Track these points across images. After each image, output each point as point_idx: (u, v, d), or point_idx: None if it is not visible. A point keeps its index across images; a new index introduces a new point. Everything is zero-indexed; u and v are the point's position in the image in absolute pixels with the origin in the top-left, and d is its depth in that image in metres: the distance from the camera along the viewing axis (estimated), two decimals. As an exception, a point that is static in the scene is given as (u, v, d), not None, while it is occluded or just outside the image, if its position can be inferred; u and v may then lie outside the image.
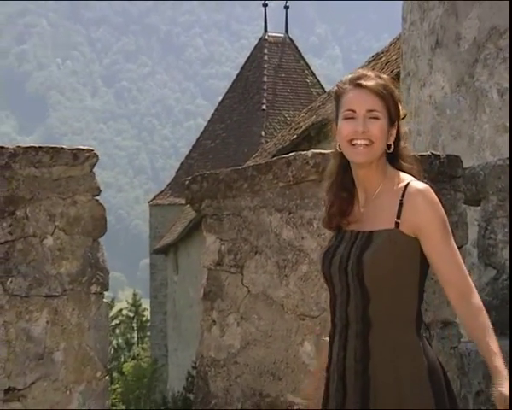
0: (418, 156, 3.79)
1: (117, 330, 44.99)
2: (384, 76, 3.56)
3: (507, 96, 8.64)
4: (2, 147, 4.02)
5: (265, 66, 36.19)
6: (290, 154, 5.18)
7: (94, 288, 4.14)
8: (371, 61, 18.36)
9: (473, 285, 3.41)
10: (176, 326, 34.24)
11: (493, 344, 3.32)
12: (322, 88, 33.83)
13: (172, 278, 35.35)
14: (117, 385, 29.52)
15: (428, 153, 5.46)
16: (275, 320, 5.04)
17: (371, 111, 3.43)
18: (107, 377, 4.18)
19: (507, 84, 8.67)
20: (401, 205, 3.39)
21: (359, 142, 3.42)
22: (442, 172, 5.32)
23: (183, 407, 26.60)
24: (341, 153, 3.52)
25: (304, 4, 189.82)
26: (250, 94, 36.01)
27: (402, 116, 3.54)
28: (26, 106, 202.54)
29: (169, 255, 36.01)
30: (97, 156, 4.28)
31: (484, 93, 8.94)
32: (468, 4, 9.25)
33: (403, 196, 3.40)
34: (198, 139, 38.15)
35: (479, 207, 6.26)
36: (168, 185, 39.00)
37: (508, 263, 6.06)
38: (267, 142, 29.52)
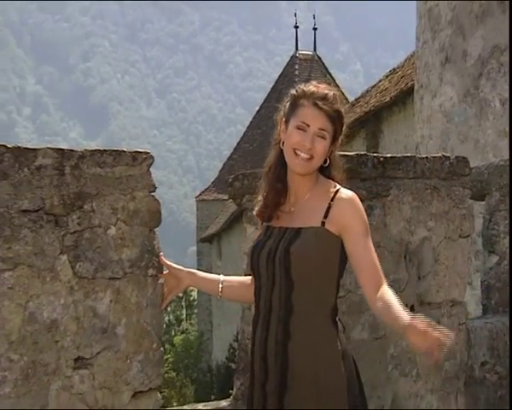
0: (344, 165, 3.70)
1: (168, 308, 45.07)
2: (338, 97, 3.50)
3: (507, 105, 8.61)
4: (71, 150, 4.03)
5: (296, 79, 36.06)
6: (320, 156, 5.15)
7: (150, 271, 4.14)
8: (388, 75, 18.25)
9: (385, 281, 3.39)
10: (219, 305, 34.28)
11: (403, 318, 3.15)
12: (346, 98, 33.61)
13: (216, 263, 35.41)
14: (169, 355, 29.56)
15: (440, 155, 5.44)
16: (306, 300, 5.01)
17: (322, 130, 3.40)
18: (161, 349, 4.18)
19: (507, 95, 8.63)
20: (329, 207, 3.38)
21: (302, 155, 3.39)
22: (452, 171, 5.29)
23: (225, 375, 26.65)
24: (281, 149, 3.51)
25: (330, 26, 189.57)
26: (283, 104, 35.95)
27: (341, 134, 3.54)
28: (90, 115, 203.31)
29: (213, 244, 36.08)
30: (153, 158, 4.27)
31: (487, 103, 8.91)
32: (473, 26, 9.22)
33: (332, 199, 3.40)
34: (238, 143, 38.19)
35: (483, 202, 6.21)
36: (212, 183, 39.05)
37: (508, 251, 6.02)
38: (298, 146, 29.43)
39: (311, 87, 3.49)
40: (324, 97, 3.42)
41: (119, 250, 4.07)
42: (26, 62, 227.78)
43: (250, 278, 3.71)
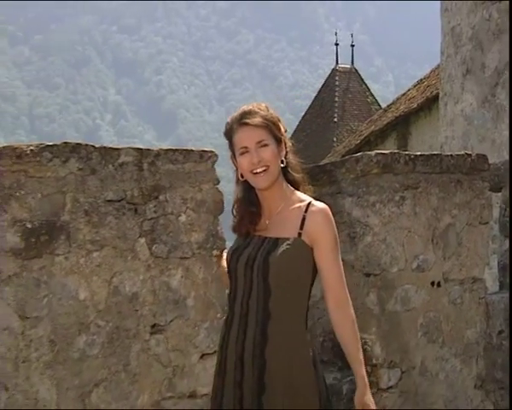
0: (304, 166, 3.48)
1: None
2: (262, 106, 3.28)
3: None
4: (148, 149, 4.07)
5: (336, 89, 35.95)
6: (358, 154, 5.13)
7: (215, 252, 4.16)
8: (416, 85, 18.10)
9: (349, 297, 3.27)
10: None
11: (360, 354, 3.19)
12: (379, 105, 33.42)
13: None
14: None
15: (463, 152, 5.40)
16: (346, 277, 4.99)
17: (260, 142, 3.19)
18: (224, 318, 4.20)
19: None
20: (304, 219, 3.18)
21: (258, 170, 3.19)
22: (473, 166, 5.24)
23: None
24: (244, 180, 3.29)
25: (365, 43, 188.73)
26: (325, 110, 35.79)
27: (284, 130, 3.33)
28: (161, 120, 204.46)
29: (266, 229, 36.04)
30: (217, 156, 4.29)
31: (503, 108, 8.82)
32: (490, 41, 9.14)
33: (306, 211, 3.20)
34: (287, 144, 38.13)
35: (500, 193, 6.14)
36: (265, 178, 39.06)
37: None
38: (338, 145, 29.35)
39: (234, 113, 3.31)
40: (247, 113, 3.22)
41: (188, 234, 4.09)
42: (107, 76, 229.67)
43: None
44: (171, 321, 4.00)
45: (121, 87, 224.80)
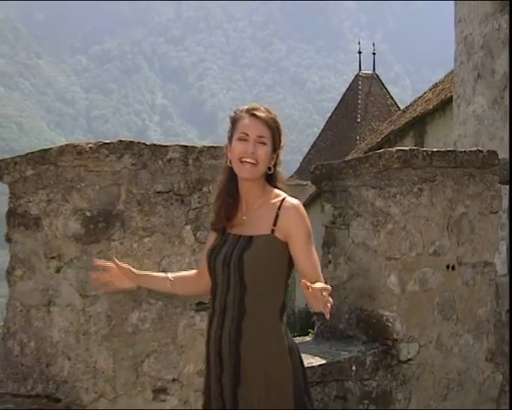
0: (289, 180, 3.32)
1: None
2: (272, 111, 3.10)
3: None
4: (193, 146, 4.06)
5: (359, 93, 35.78)
6: (380, 150, 5.10)
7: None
8: (431, 88, 17.94)
9: (322, 281, 2.95)
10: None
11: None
12: (398, 107, 33.15)
13: (298, 232, 35.30)
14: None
15: (475, 149, 5.36)
16: (370, 260, 4.98)
17: (261, 137, 3.00)
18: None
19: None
20: (277, 216, 2.97)
21: (248, 160, 2.97)
22: (484, 161, 5.19)
23: (304, 318, 26.64)
24: (230, 168, 3.08)
25: (385, 51, 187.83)
26: (349, 111, 35.63)
27: (282, 145, 3.10)
28: (203, 121, 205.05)
29: (296, 218, 35.93)
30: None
31: (510, 109, 8.72)
32: (500, 49, 9.04)
33: (279, 208, 2.98)
34: (314, 142, 37.98)
35: (508, 186, 6.07)
36: (295, 172, 38.87)
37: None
38: (360, 143, 29.21)
39: (247, 106, 3.13)
40: (259, 108, 3.07)
41: (229, 222, 4.09)
42: (155, 82, 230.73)
43: (195, 272, 3.32)
44: (214, 299, 4.01)
45: (167, 92, 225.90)
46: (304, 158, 38.13)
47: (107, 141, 3.84)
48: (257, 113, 3.03)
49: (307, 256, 2.96)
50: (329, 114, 39.00)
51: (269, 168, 3.05)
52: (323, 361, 4.50)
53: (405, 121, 18.09)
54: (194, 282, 3.26)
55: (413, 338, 4.87)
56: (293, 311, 31.56)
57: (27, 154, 3.90)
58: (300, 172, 36.90)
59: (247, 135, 3.00)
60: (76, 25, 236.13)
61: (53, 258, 3.82)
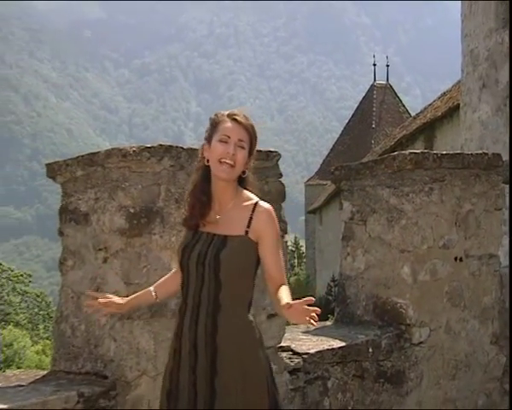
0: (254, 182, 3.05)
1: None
2: (251, 120, 2.96)
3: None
4: (226, 150, 4.04)
5: (374, 101, 35.69)
6: (394, 153, 5.07)
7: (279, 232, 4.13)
8: (440, 97, 17.83)
9: (286, 283, 2.91)
10: (320, 256, 34.23)
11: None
12: (409, 114, 32.99)
13: (318, 228, 35.30)
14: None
15: (481, 152, 5.31)
16: (385, 253, 4.95)
17: (241, 141, 2.87)
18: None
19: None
20: (251, 218, 2.86)
21: (227, 161, 2.84)
22: (489, 163, 5.14)
23: (325, 304, 26.60)
24: (206, 167, 2.93)
25: (398, 64, 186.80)
26: (365, 118, 35.55)
27: (255, 152, 2.98)
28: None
29: (316, 214, 35.93)
30: (280, 155, 4.26)
31: (513, 115, 8.64)
32: (503, 61, 8.97)
33: (253, 211, 2.87)
34: (333, 146, 37.94)
35: (508, 185, 6.02)
36: (316, 173, 38.92)
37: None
38: (375, 147, 29.09)
39: (228, 111, 2.98)
40: (239, 114, 2.93)
41: (257, 218, 4.08)
42: (190, 92, 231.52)
43: (174, 271, 3.17)
44: (244, 287, 4.00)
45: (201, 101, 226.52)
46: (323, 160, 38.11)
47: (149, 145, 3.85)
48: (238, 118, 2.91)
49: (275, 258, 2.88)
50: (347, 121, 38.95)
51: (243, 172, 2.93)
52: (343, 344, 4.48)
53: (416, 127, 18.00)
54: (176, 282, 3.09)
55: (424, 323, 4.84)
56: (314, 298, 31.58)
57: (77, 157, 3.92)
58: (320, 173, 36.90)
59: (229, 137, 2.87)
60: (119, 42, 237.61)
61: (100, 250, 3.84)
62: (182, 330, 2.89)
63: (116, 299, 3.19)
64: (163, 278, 3.22)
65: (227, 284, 2.82)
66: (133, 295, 3.24)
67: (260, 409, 2.83)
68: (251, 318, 2.91)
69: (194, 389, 2.84)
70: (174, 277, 3.13)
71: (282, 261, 2.93)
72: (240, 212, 2.89)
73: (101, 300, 3.15)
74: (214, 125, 2.93)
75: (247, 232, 2.85)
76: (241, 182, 2.96)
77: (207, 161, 2.91)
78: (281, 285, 2.85)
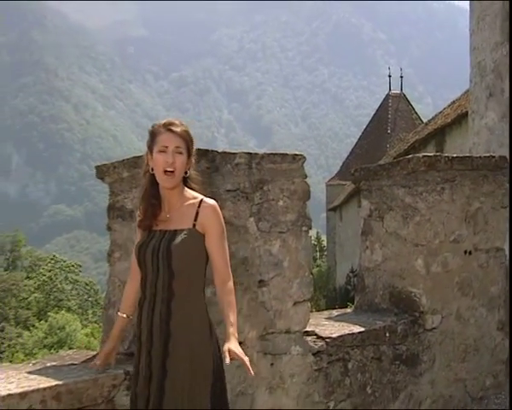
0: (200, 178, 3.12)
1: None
2: (185, 124, 2.98)
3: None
4: (256, 153, 4.05)
5: (389, 109, 35.42)
6: (408, 156, 5.02)
7: (303, 228, 4.13)
8: (450, 105, 17.63)
9: (231, 275, 2.94)
10: (340, 249, 34.07)
11: (233, 317, 2.86)
12: (421, 120, 32.68)
13: (338, 224, 35.13)
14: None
15: (488, 155, 5.24)
16: (401, 247, 4.91)
17: (177, 147, 2.90)
18: (310, 276, 4.16)
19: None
20: (197, 213, 2.90)
21: (168, 169, 2.88)
22: (496, 165, 5.08)
23: (344, 293, 26.52)
24: (151, 173, 2.96)
25: (411, 75, 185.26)
26: (381, 124, 35.30)
27: (194, 152, 3.01)
28: (261, 132, 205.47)
29: (336, 211, 35.76)
30: (305, 158, 4.25)
31: (518, 122, 8.52)
32: (507, 72, 8.85)
33: (199, 206, 2.91)
34: (352, 149, 37.72)
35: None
36: (336, 174, 38.72)
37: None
38: (390, 150, 28.85)
39: (163, 120, 3.00)
40: (174, 123, 2.94)
41: (284, 215, 4.07)
42: (222, 101, 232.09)
43: (131, 276, 3.15)
44: (272, 278, 3.99)
45: (232, 109, 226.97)
46: (343, 162, 37.93)
47: (187, 149, 3.86)
48: (173, 128, 2.92)
49: (220, 250, 2.92)
50: (364, 127, 38.70)
51: (185, 172, 2.97)
52: (362, 329, 4.46)
53: (428, 132, 17.82)
54: (135, 288, 3.09)
55: (436, 311, 4.79)
56: (334, 287, 31.43)
57: (123, 160, 3.94)
58: (340, 174, 36.72)
59: (167, 147, 2.90)
60: (159, 57, 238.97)
61: (144, 243, 3.86)
62: (141, 319, 2.91)
63: (107, 350, 3.26)
64: (124, 296, 3.21)
65: (179, 272, 2.84)
66: (113, 331, 3.24)
67: (204, 389, 2.84)
68: (203, 303, 2.91)
69: (149, 370, 2.86)
70: (131, 286, 3.14)
71: (226, 254, 2.95)
72: (187, 209, 2.93)
73: (99, 362, 3.25)
74: (153, 136, 2.96)
75: (194, 225, 2.89)
76: (186, 181, 3.00)
77: (152, 169, 2.95)
78: (224, 281, 2.90)
